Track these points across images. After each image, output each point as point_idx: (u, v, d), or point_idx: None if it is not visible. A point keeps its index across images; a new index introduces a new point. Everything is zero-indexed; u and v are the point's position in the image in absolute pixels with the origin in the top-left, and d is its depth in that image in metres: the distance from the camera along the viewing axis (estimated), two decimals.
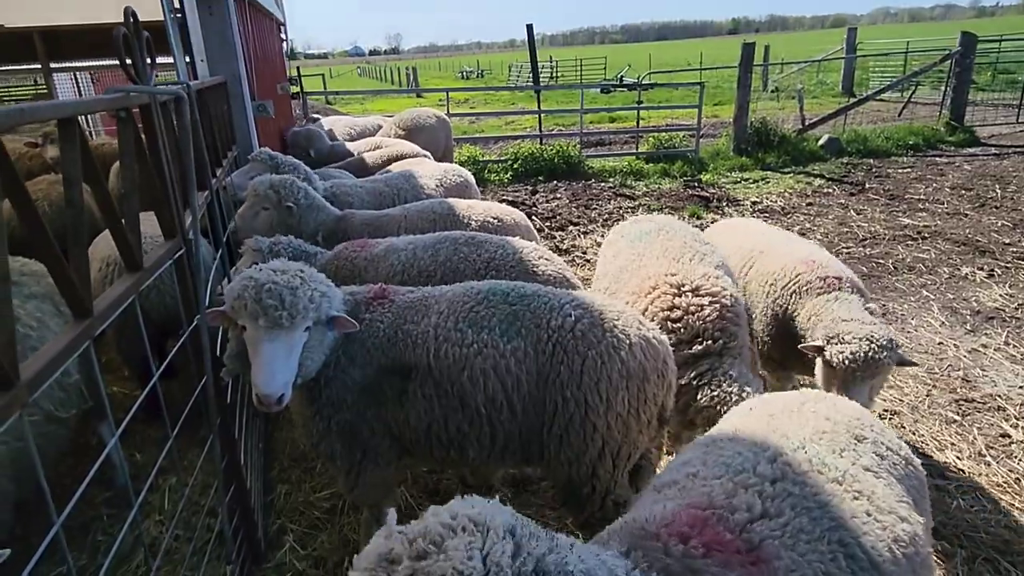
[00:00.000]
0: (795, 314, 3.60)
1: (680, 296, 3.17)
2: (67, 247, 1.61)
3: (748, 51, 12.94)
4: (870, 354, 2.99)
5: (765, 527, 1.46)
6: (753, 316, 3.87)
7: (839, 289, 3.51)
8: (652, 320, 3.15)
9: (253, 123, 5.51)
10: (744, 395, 2.82)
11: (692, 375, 3.00)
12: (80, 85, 14.18)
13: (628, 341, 2.51)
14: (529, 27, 14.56)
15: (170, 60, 4.07)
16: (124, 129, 2.04)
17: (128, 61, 2.17)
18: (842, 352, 3.04)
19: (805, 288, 3.59)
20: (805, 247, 4.01)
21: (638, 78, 21.74)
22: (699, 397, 2.93)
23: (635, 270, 3.55)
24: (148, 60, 2.33)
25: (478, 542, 1.02)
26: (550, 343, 2.52)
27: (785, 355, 3.76)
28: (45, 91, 10.65)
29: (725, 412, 2.72)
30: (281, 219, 4.20)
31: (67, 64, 11.92)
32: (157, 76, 2.51)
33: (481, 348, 2.53)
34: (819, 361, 3.24)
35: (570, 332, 2.52)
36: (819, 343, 3.18)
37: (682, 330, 3.09)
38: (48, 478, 2.65)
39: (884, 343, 3.05)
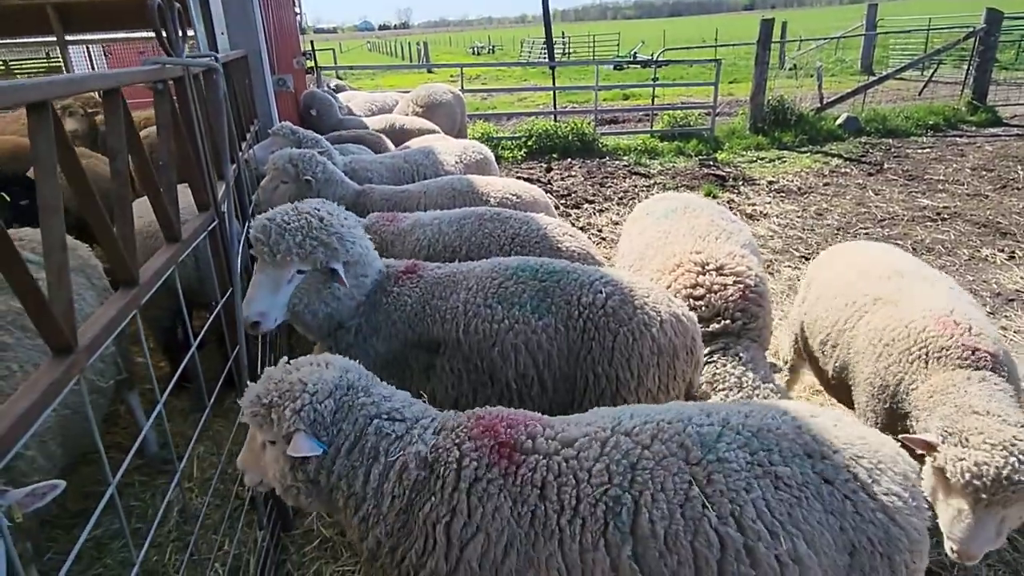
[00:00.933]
0: (912, 387, 2.61)
1: (704, 274, 3.18)
2: (113, 218, 1.63)
3: (767, 28, 12.71)
4: (1006, 472, 2.05)
5: (545, 449, 1.69)
6: (854, 384, 2.96)
7: (988, 368, 2.50)
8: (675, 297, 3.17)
9: (273, 97, 5.50)
10: (745, 379, 2.83)
11: (706, 352, 3.02)
12: (93, 58, 14.17)
13: (659, 318, 2.53)
14: (545, 2, 14.35)
15: (191, 33, 4.06)
16: (161, 101, 2.06)
17: (162, 33, 2.18)
18: (964, 461, 2.14)
19: (937, 356, 2.59)
20: (944, 296, 2.87)
21: (652, 55, 21.42)
22: (702, 373, 2.95)
23: (660, 247, 3.56)
24: (179, 32, 2.33)
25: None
26: (581, 319, 2.54)
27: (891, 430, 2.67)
28: (59, 64, 10.64)
29: (719, 389, 2.75)
30: (300, 193, 4.21)
31: (80, 37, 11.92)
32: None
33: (512, 324, 2.55)
34: (929, 464, 2.31)
35: (601, 309, 2.54)
36: (932, 438, 2.28)
37: (703, 308, 3.11)
38: (88, 446, 2.73)
39: None
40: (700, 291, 3.15)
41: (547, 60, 15.69)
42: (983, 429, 2.15)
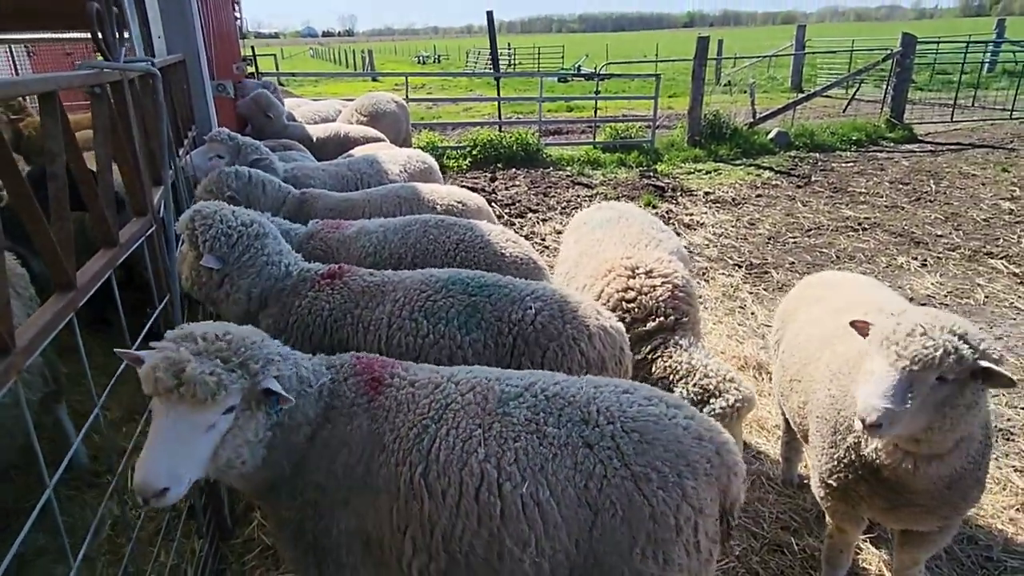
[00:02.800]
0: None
1: (634, 278, 3.34)
2: (50, 220, 1.63)
3: (703, 44, 13.25)
4: (922, 328, 2.10)
5: (398, 384, 2.07)
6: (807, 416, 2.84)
7: None
8: (608, 300, 3.31)
9: (212, 103, 5.42)
10: (694, 360, 3.00)
11: (647, 350, 3.17)
12: (15, 58, 13.48)
13: (588, 332, 2.63)
14: (489, 14, 14.55)
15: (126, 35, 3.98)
16: (99, 105, 2.04)
17: (98, 36, 2.17)
18: (888, 321, 2.19)
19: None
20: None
21: (595, 68, 21.95)
22: (653, 370, 3.09)
23: (594, 255, 3.71)
24: (116, 36, 2.32)
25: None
26: (511, 336, 2.61)
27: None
28: None
29: (676, 380, 2.90)
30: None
31: (2, 36, 11.34)
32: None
33: (437, 339, 2.60)
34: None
35: (531, 325, 2.61)
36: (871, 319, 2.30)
37: (636, 309, 3.26)
38: (12, 460, 2.64)
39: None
40: (632, 294, 3.30)
41: (492, 71, 15.86)
42: (918, 315, 2.17)
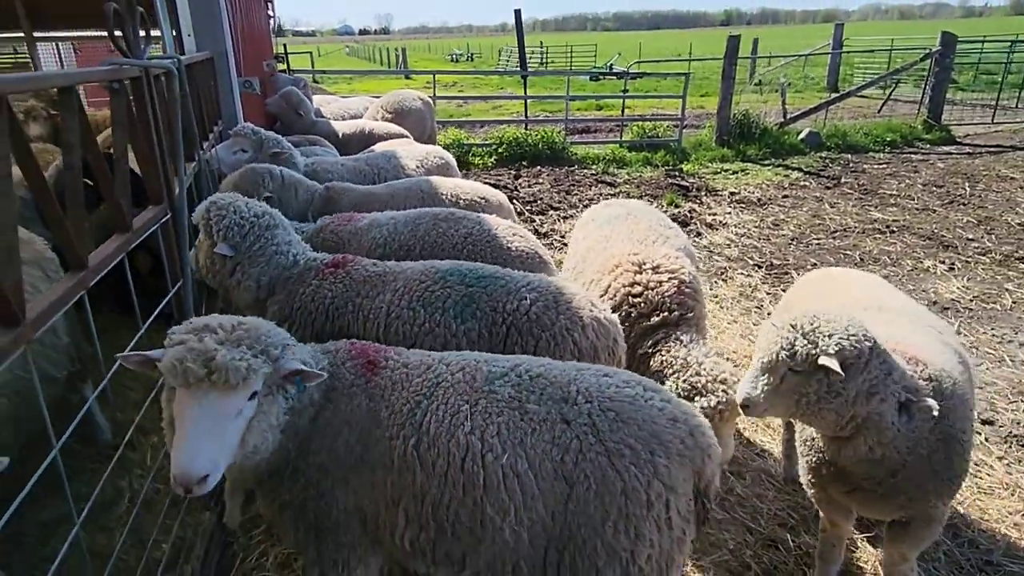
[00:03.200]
0: None
1: (641, 273, 3.37)
2: (65, 207, 1.76)
3: (733, 43, 13.12)
4: (788, 331, 2.32)
5: (393, 366, 2.19)
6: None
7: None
8: (615, 295, 3.35)
9: (239, 99, 5.61)
10: (690, 358, 3.02)
11: (648, 344, 3.21)
12: (62, 56, 14.03)
13: (581, 322, 2.69)
14: (517, 12, 14.63)
15: (157, 34, 4.17)
16: (117, 100, 2.18)
17: (119, 34, 2.31)
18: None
19: None
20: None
21: (627, 67, 21.85)
22: (651, 364, 3.13)
23: (601, 250, 3.75)
24: (141, 33, 2.46)
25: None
26: (504, 325, 2.69)
27: None
28: (26, 61, 10.55)
29: (669, 374, 2.94)
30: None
31: (50, 34, 11.82)
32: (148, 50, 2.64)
33: (432, 328, 2.69)
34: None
35: (525, 315, 2.69)
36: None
37: (642, 304, 3.30)
38: (38, 432, 2.81)
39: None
40: (638, 288, 3.34)
41: (520, 70, 15.92)
42: (807, 313, 2.36)
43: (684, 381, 2.90)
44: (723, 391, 2.77)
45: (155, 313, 2.44)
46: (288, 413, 2.01)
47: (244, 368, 1.76)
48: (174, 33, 4.50)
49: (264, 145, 4.74)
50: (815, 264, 7.36)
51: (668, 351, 3.10)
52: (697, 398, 2.77)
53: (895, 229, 8.57)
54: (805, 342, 2.25)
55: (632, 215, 4.01)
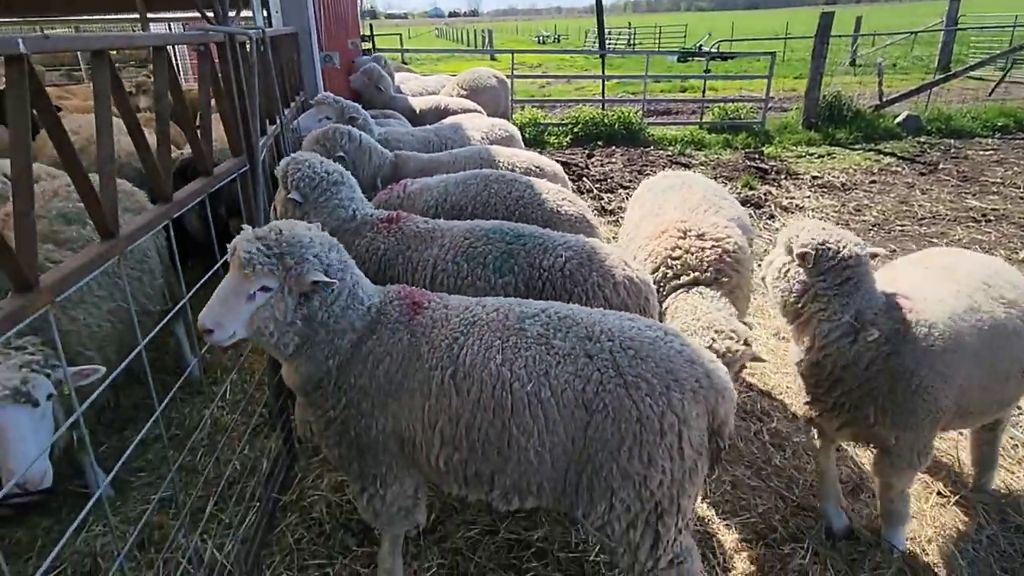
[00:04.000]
0: None
1: (685, 239, 3.42)
2: (158, 148, 2.07)
3: (826, 21, 12.48)
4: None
5: (434, 307, 2.40)
6: None
7: None
8: (656, 259, 3.43)
9: (320, 73, 6.00)
10: (698, 309, 3.03)
11: (672, 295, 3.28)
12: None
13: (613, 280, 2.81)
14: None
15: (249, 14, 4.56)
16: (203, 62, 2.49)
17: (210, 14, 2.63)
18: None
19: None
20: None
21: (714, 47, 21.14)
22: (664, 307, 3.23)
23: (652, 218, 3.82)
24: (227, 11, 2.77)
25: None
26: (540, 280, 2.85)
27: None
28: None
29: (673, 317, 3.05)
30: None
31: (163, 15, 12.84)
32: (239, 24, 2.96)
33: (474, 281, 2.88)
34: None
35: (560, 271, 2.83)
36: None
37: (679, 266, 3.35)
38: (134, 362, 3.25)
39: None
40: (678, 252, 3.39)
41: (598, 49, 15.79)
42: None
43: (680, 321, 2.96)
44: (711, 338, 2.81)
45: (224, 259, 2.76)
46: (310, 324, 2.24)
47: (245, 259, 2.10)
48: (264, 13, 4.89)
49: (344, 112, 5.07)
50: (894, 251, 7.02)
51: (682, 299, 3.18)
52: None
53: (992, 218, 8.02)
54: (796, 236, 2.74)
55: (687, 185, 4.04)
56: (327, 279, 2.20)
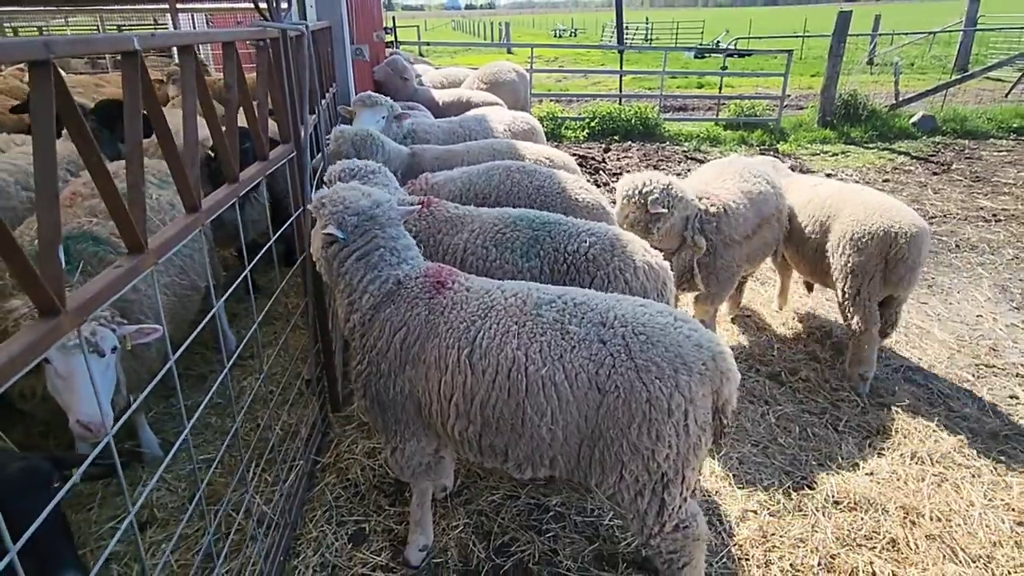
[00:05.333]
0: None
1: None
2: (227, 133, 2.30)
3: (843, 19, 12.55)
4: None
5: (457, 288, 2.54)
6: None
7: None
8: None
9: (351, 65, 6.22)
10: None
11: None
12: (196, 26, 15.46)
13: (633, 264, 3.01)
14: None
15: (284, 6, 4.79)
16: (261, 55, 2.72)
17: (263, 6, 2.86)
18: None
19: None
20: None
21: (731, 43, 21.16)
22: None
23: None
24: (278, 4, 3.00)
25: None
26: (564, 264, 3.04)
27: None
28: (166, 29, 11.80)
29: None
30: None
31: (190, 5, 13.10)
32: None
33: (503, 264, 3.08)
34: None
35: (584, 256, 3.02)
36: None
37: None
38: (182, 334, 3.52)
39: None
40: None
41: (617, 45, 15.92)
42: None
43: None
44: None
45: (277, 235, 3.00)
46: (327, 263, 2.66)
47: (314, 205, 2.68)
48: (298, 7, 5.12)
49: (392, 110, 5.29)
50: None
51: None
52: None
53: (1002, 218, 8.13)
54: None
55: (732, 163, 4.64)
56: (335, 232, 2.53)
